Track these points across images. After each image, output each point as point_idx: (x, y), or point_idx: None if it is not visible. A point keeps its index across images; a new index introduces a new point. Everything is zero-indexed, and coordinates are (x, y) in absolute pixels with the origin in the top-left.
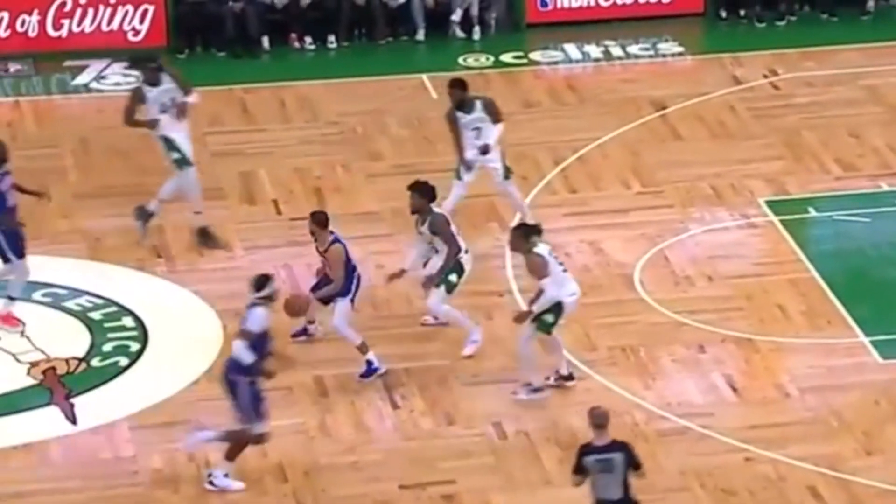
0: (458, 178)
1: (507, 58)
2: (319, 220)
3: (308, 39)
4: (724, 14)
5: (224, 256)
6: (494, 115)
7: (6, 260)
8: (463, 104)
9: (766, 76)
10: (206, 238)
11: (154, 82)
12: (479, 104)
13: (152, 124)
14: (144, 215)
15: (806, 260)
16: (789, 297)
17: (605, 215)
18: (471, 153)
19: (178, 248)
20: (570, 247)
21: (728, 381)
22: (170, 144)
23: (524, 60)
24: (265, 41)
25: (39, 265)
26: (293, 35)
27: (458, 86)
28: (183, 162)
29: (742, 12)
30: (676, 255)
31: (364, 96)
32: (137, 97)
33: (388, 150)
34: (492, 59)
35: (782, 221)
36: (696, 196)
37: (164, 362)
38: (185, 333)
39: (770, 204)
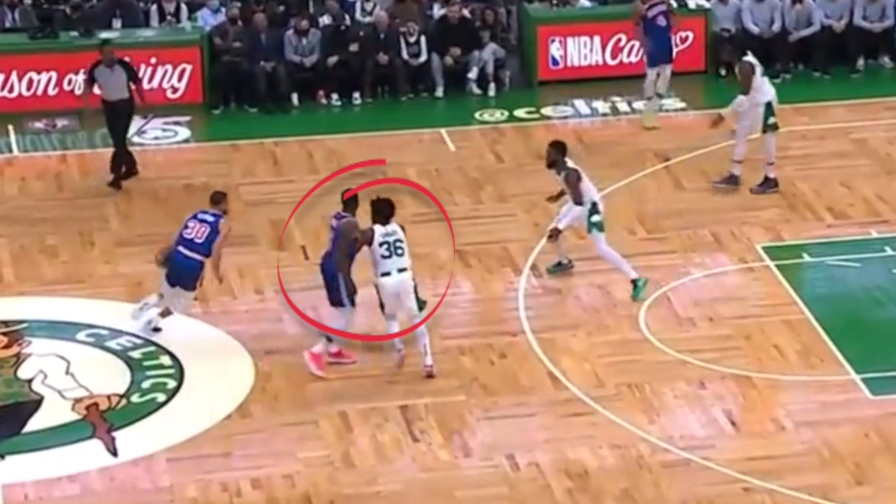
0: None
1: (520, 113)
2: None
3: (335, 96)
4: (723, 72)
5: (255, 299)
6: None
7: (341, 304)
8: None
9: (763, 130)
10: None
11: None
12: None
13: None
14: None
15: (800, 302)
16: (785, 337)
17: None
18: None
19: (212, 291)
20: (579, 289)
21: (728, 416)
22: None
23: (536, 115)
24: (295, 98)
25: (83, 308)
26: (321, 92)
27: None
28: None
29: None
30: (679, 298)
31: (386, 149)
32: None
33: (408, 200)
34: (506, 114)
35: (778, 266)
36: (698, 242)
37: (199, 398)
38: (219, 371)
39: (767, 250)
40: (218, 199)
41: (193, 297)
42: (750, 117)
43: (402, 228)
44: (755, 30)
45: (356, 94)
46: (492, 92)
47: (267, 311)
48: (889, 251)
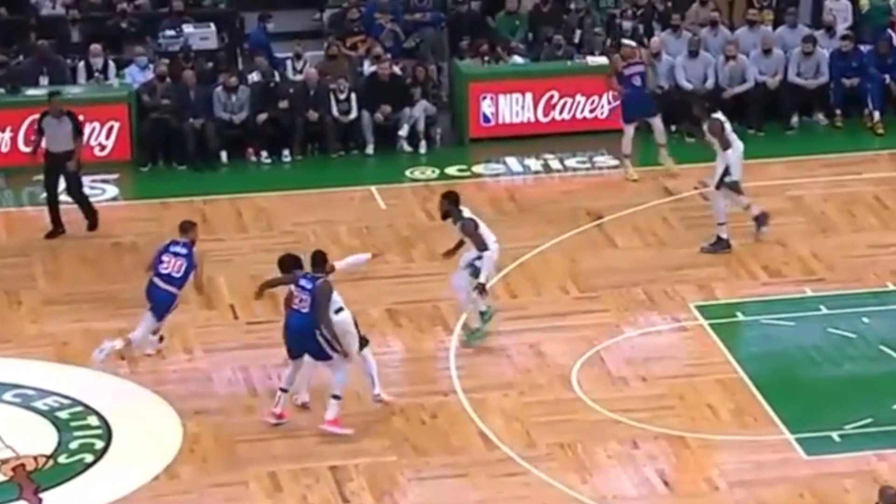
0: None
1: (451, 170)
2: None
3: (264, 153)
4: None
5: (183, 359)
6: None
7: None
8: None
9: (696, 188)
10: None
11: None
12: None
13: None
14: None
15: (734, 361)
16: (719, 396)
17: (545, 319)
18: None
19: (140, 351)
20: (511, 349)
21: (660, 476)
22: None
23: (468, 173)
24: (224, 155)
25: (9, 367)
26: (250, 149)
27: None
28: None
29: (674, 128)
30: (612, 357)
31: (317, 207)
32: None
33: (339, 258)
34: (437, 171)
35: (712, 325)
36: (631, 301)
37: (127, 459)
38: (147, 432)
39: (700, 308)
40: (187, 227)
41: (158, 326)
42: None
43: None
44: (688, 86)
45: (286, 152)
46: (423, 149)
47: (195, 370)
48: (824, 310)
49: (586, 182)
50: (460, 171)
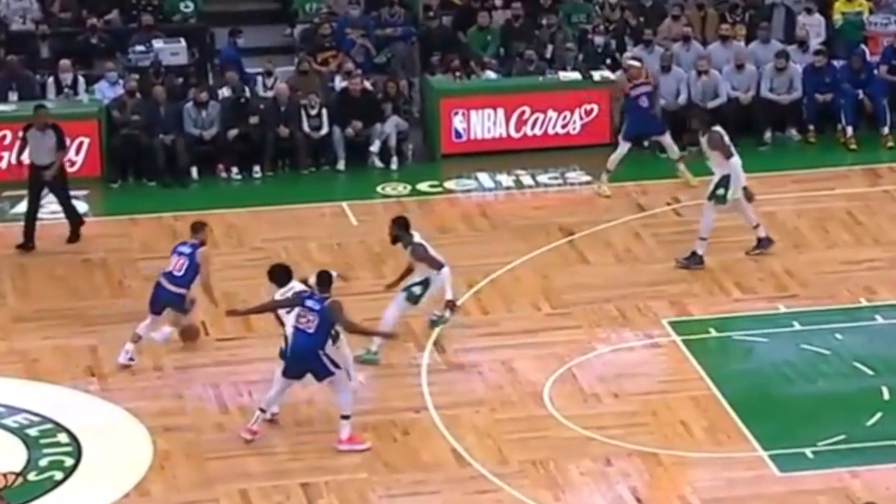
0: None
1: (423, 186)
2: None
3: (234, 170)
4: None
5: (154, 376)
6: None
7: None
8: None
9: (668, 203)
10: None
11: None
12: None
13: None
14: None
15: (707, 378)
16: (692, 413)
17: (517, 336)
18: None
19: (110, 368)
20: (483, 366)
21: (633, 493)
22: None
23: (439, 189)
24: (194, 171)
25: None
26: (220, 165)
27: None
28: None
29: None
30: (584, 374)
31: (287, 223)
32: None
33: (309, 275)
34: (409, 187)
35: (685, 341)
36: (603, 317)
37: (97, 477)
38: (117, 449)
39: (673, 324)
40: (197, 228)
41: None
42: (738, 184)
43: None
44: (661, 102)
45: (256, 168)
46: (394, 165)
47: (166, 387)
48: (797, 326)
49: (558, 198)
50: (432, 186)
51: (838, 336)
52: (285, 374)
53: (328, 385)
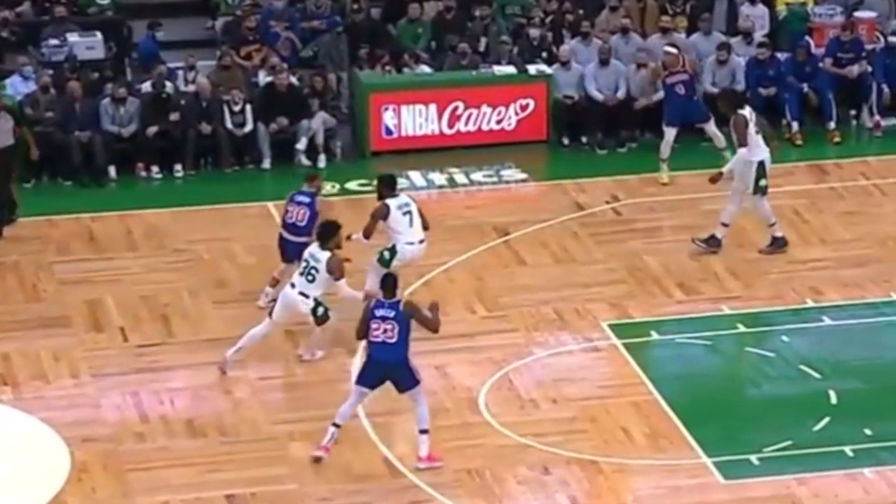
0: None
1: (352, 185)
2: None
3: (155, 168)
4: (566, 141)
5: (71, 384)
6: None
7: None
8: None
9: (608, 202)
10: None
11: None
12: None
13: None
14: None
15: (648, 382)
16: (632, 419)
17: (451, 340)
18: None
19: (24, 376)
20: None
21: (572, 503)
22: None
23: (370, 188)
24: (112, 170)
25: None
26: (140, 164)
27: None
28: None
29: (584, 139)
30: (521, 379)
31: (211, 224)
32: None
33: (234, 277)
34: (337, 186)
35: (625, 345)
36: (541, 320)
37: (11, 489)
38: (32, 461)
39: (613, 327)
40: (312, 177)
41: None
42: (744, 178)
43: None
44: (599, 97)
45: (178, 167)
46: (322, 163)
47: (83, 396)
48: (742, 328)
49: (493, 197)
50: (361, 185)
51: (784, 338)
52: (361, 381)
53: (407, 396)
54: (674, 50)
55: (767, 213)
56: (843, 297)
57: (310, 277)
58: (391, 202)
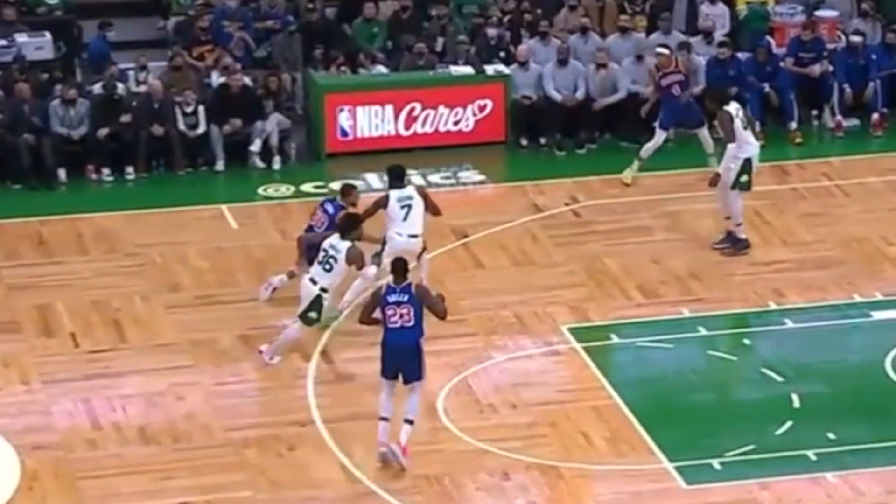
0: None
1: (307, 187)
2: None
3: (106, 171)
4: (524, 142)
5: (21, 390)
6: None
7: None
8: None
9: (567, 204)
10: None
11: None
12: None
13: None
14: None
15: (609, 386)
16: (593, 423)
17: None
18: None
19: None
20: (372, 377)
21: None
22: None
23: (325, 190)
24: (62, 173)
25: None
26: (90, 166)
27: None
28: None
29: (542, 140)
30: (480, 383)
31: (163, 227)
32: None
33: (187, 281)
34: (292, 188)
35: (585, 348)
36: (499, 324)
37: None
38: None
39: (573, 331)
40: (347, 191)
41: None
42: (729, 172)
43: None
44: (557, 97)
45: (129, 169)
46: (276, 165)
47: (33, 402)
48: (703, 331)
49: (451, 199)
50: (317, 188)
51: (746, 341)
52: (383, 373)
53: (408, 388)
54: (666, 51)
55: (738, 212)
56: (806, 299)
57: (327, 266)
58: (393, 193)
